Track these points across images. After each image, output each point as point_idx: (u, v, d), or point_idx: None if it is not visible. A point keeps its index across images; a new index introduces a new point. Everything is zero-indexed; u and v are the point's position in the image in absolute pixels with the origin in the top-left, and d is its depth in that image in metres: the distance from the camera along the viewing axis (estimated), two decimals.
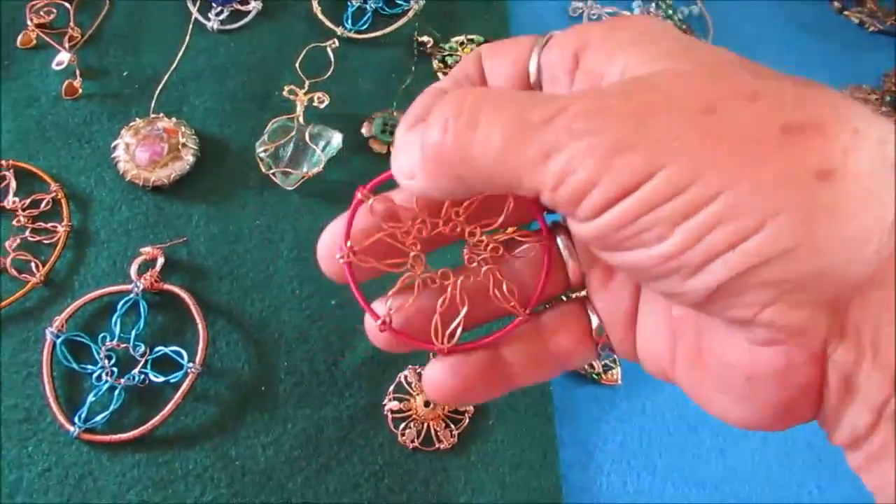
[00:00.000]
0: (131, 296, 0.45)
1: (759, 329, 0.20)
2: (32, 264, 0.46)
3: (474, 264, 0.26)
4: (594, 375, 0.46)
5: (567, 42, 0.23)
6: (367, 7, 0.58)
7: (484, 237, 0.26)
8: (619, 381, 0.46)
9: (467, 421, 0.44)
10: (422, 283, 0.26)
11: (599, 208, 0.19)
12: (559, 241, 0.26)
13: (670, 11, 0.60)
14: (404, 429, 0.43)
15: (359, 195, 0.25)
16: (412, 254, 0.26)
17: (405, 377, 0.45)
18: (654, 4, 0.61)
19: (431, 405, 0.43)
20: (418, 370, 0.45)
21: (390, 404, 0.44)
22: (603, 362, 0.46)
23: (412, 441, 0.43)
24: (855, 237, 0.18)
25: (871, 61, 0.59)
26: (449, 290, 0.26)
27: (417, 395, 0.44)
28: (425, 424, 0.43)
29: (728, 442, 0.45)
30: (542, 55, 0.24)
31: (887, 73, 0.59)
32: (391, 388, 0.44)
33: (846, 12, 0.60)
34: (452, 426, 0.43)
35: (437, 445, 0.43)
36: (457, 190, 0.22)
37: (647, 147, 0.19)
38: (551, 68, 0.23)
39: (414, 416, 0.43)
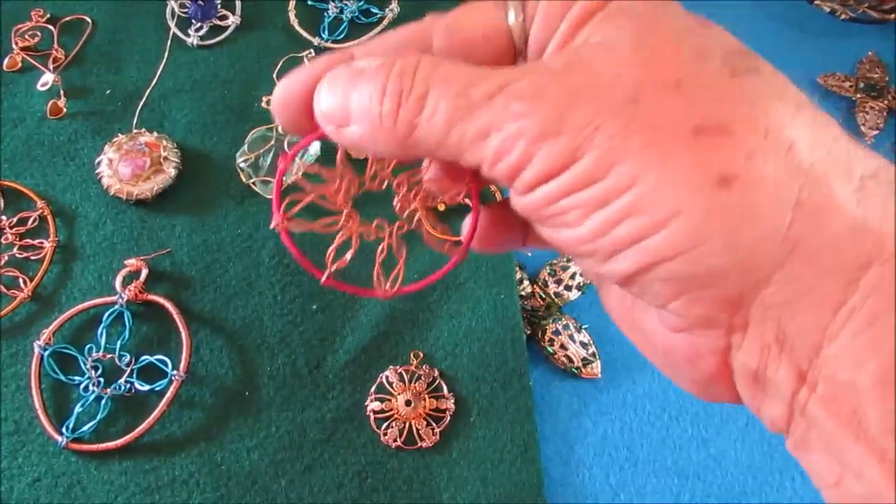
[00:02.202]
0: (116, 307, 0.46)
1: (670, 316, 0.21)
2: (20, 280, 0.47)
3: (405, 214, 0.28)
4: (574, 369, 0.46)
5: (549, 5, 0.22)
6: (343, 17, 0.58)
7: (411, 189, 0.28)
8: (599, 375, 0.46)
9: (448, 419, 0.44)
10: (357, 237, 0.28)
11: (529, 187, 0.21)
12: None
13: None
14: (386, 428, 0.44)
15: (280, 164, 0.27)
16: (345, 212, 0.27)
17: (386, 377, 0.45)
18: None
19: (413, 405, 0.44)
20: (399, 370, 0.45)
21: (372, 405, 0.44)
22: (582, 356, 0.46)
23: (395, 440, 0.43)
24: (750, 243, 0.19)
25: (845, 49, 0.60)
26: (386, 239, 0.28)
27: (399, 395, 0.44)
28: (407, 423, 0.44)
29: (710, 431, 0.45)
30: (525, 10, 0.23)
31: (862, 60, 0.59)
32: (373, 389, 0.45)
33: (817, 1, 0.60)
34: (434, 424, 0.44)
35: (419, 444, 0.43)
36: (400, 155, 0.23)
37: (570, 134, 0.19)
38: (540, 23, 0.23)
39: (396, 415, 0.44)
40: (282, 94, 0.24)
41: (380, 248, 0.28)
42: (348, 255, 0.27)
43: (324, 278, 0.27)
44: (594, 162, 0.19)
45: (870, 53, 0.59)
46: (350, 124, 0.22)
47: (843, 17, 0.60)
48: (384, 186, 0.28)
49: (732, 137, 0.19)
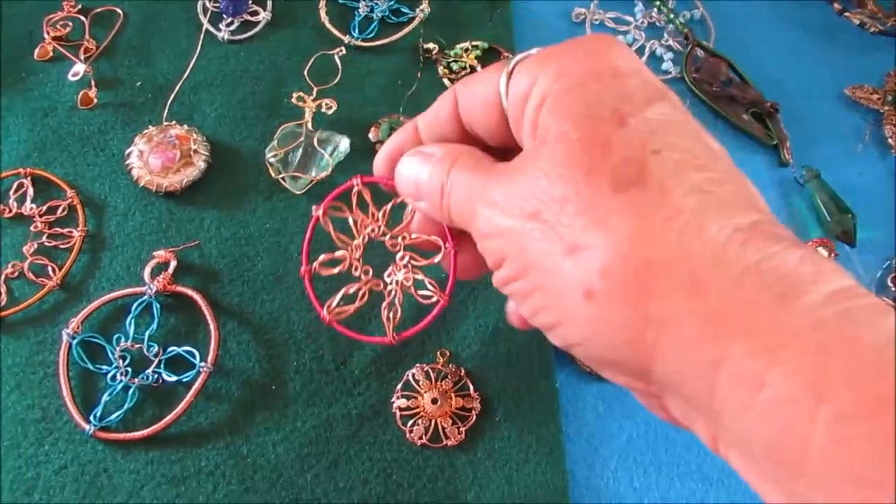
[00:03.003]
0: (145, 298, 0.46)
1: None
2: (49, 268, 0.48)
3: (400, 271, 0.40)
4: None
5: (521, 82, 0.27)
6: (374, 16, 0.59)
7: (403, 249, 0.40)
8: None
9: (474, 418, 0.44)
10: (366, 291, 0.41)
11: (498, 277, 0.28)
12: None
13: (672, 15, 0.60)
14: (412, 426, 0.44)
15: (317, 213, 0.40)
16: (360, 271, 0.41)
17: (412, 375, 0.45)
18: (655, 9, 0.62)
19: (439, 403, 0.44)
20: (425, 368, 0.45)
21: (398, 402, 0.44)
22: None
23: (420, 438, 0.44)
24: (621, 345, 0.23)
25: (873, 62, 0.60)
26: (389, 294, 0.41)
27: (425, 392, 0.45)
28: (433, 421, 0.44)
29: None
30: (509, 84, 0.28)
31: (889, 73, 0.59)
32: (399, 387, 0.45)
33: (847, 14, 0.60)
34: (460, 423, 0.44)
35: (444, 442, 0.43)
36: (449, 224, 0.33)
37: (502, 244, 0.27)
38: (512, 101, 0.28)
39: (422, 413, 0.44)
40: (382, 157, 0.37)
41: (385, 302, 0.41)
42: (358, 302, 0.41)
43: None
44: (511, 268, 0.27)
45: None
46: (420, 200, 0.33)
47: (873, 29, 0.60)
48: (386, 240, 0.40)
49: (595, 254, 0.23)
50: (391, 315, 0.41)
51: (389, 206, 0.40)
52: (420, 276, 0.40)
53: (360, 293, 0.41)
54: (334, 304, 0.40)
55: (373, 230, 0.40)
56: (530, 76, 0.27)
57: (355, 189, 0.39)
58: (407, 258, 0.40)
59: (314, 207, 0.39)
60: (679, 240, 0.22)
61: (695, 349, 0.21)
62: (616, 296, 0.22)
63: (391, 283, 0.41)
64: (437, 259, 0.38)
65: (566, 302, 0.24)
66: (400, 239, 0.39)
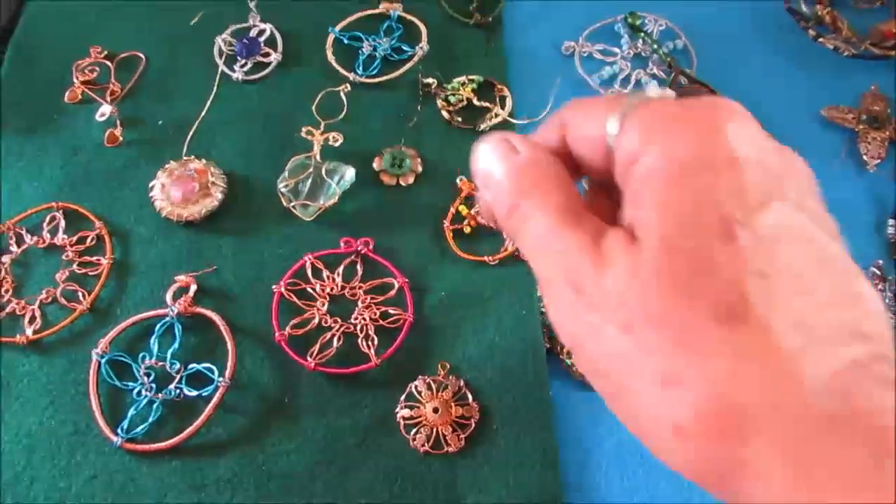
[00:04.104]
0: (167, 319, 0.50)
1: None
2: (80, 294, 0.52)
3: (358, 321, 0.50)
4: None
5: (629, 141, 0.25)
6: (377, 54, 0.63)
7: (369, 308, 0.51)
8: None
9: (473, 425, 0.47)
10: (340, 335, 0.50)
11: (576, 360, 0.27)
12: None
13: (656, 46, 0.64)
14: (415, 434, 0.47)
15: (278, 290, 0.51)
16: (329, 321, 0.51)
17: (415, 386, 0.48)
18: (640, 41, 0.65)
19: (440, 412, 0.47)
20: (427, 380, 0.49)
21: (402, 412, 0.48)
22: None
23: (423, 445, 0.47)
24: (699, 473, 0.22)
25: (848, 83, 0.63)
26: (361, 330, 0.50)
27: (427, 402, 0.48)
28: (434, 429, 0.47)
29: None
30: (617, 140, 0.25)
31: (864, 94, 0.63)
32: (403, 397, 0.48)
33: (821, 39, 0.64)
34: (460, 431, 0.47)
35: (445, 449, 0.46)
36: (498, 228, 0.29)
37: (582, 334, 0.25)
38: (619, 157, 0.25)
39: (424, 422, 0.47)
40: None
41: (360, 337, 0.50)
42: (336, 343, 0.50)
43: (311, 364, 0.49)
44: (593, 366, 0.25)
45: (872, 87, 0.63)
46: (486, 190, 0.29)
47: (847, 53, 0.63)
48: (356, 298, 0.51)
49: (689, 391, 0.21)
50: (369, 344, 0.49)
51: (341, 267, 0.52)
52: (384, 309, 0.50)
53: (336, 338, 0.50)
54: (316, 352, 0.49)
55: (332, 289, 0.51)
56: (639, 140, 0.24)
57: (308, 264, 0.52)
58: (368, 300, 0.51)
59: (273, 287, 0.51)
60: (775, 385, 0.21)
61: (785, 499, 0.20)
62: (707, 437, 0.21)
63: (359, 322, 0.50)
64: (391, 294, 0.50)
65: (652, 428, 0.22)
66: (357, 287, 0.51)
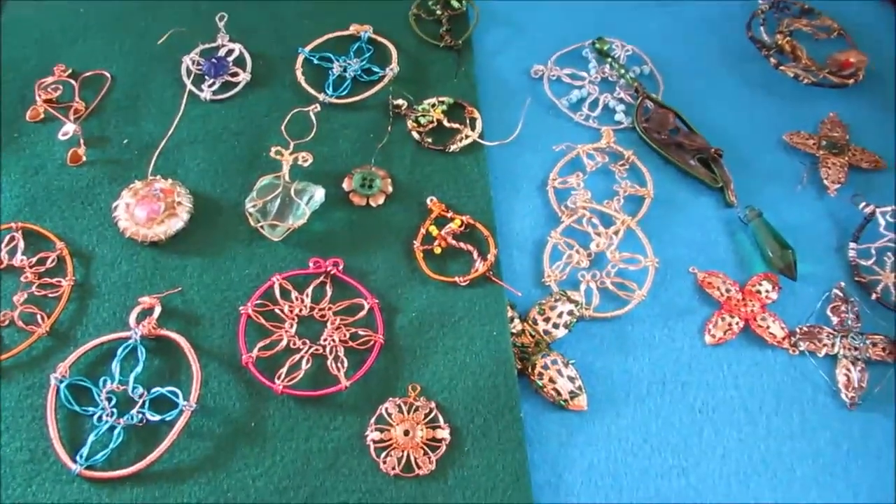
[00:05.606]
0: (130, 342, 0.49)
1: None
2: (38, 316, 0.50)
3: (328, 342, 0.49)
4: (562, 402, 0.49)
5: None
6: (347, 75, 0.63)
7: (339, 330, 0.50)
8: (585, 407, 0.49)
9: (444, 448, 0.47)
10: (309, 357, 0.49)
11: None
12: None
13: (623, 71, 0.65)
14: (385, 457, 0.46)
15: (245, 311, 0.50)
16: (298, 342, 0.50)
17: (385, 409, 0.48)
18: (608, 65, 0.67)
19: (410, 434, 0.47)
20: (398, 402, 0.48)
21: (372, 434, 0.47)
22: (569, 390, 0.49)
23: (393, 468, 0.46)
24: None
25: (809, 110, 0.65)
26: (331, 352, 0.50)
27: (397, 425, 0.47)
28: (405, 452, 0.46)
29: (689, 461, 0.48)
30: None
31: (823, 120, 0.64)
32: (373, 420, 0.47)
33: (782, 67, 0.66)
34: (431, 453, 0.46)
35: (416, 472, 0.46)
36: None
37: None
38: None
39: (394, 444, 0.47)
40: None
41: (329, 359, 0.49)
42: (305, 366, 0.49)
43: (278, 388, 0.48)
44: None
45: (831, 114, 0.65)
46: None
47: (806, 81, 0.65)
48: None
49: None
50: (339, 366, 0.48)
51: (310, 288, 0.51)
52: (353, 330, 0.50)
53: (305, 360, 0.49)
54: (284, 375, 0.48)
55: (300, 310, 0.50)
56: None
57: (276, 285, 0.51)
58: (338, 321, 0.50)
59: (240, 308, 0.50)
60: None
61: None
62: None
63: (329, 344, 0.49)
64: (361, 314, 0.50)
65: None
66: (326, 308, 0.50)
